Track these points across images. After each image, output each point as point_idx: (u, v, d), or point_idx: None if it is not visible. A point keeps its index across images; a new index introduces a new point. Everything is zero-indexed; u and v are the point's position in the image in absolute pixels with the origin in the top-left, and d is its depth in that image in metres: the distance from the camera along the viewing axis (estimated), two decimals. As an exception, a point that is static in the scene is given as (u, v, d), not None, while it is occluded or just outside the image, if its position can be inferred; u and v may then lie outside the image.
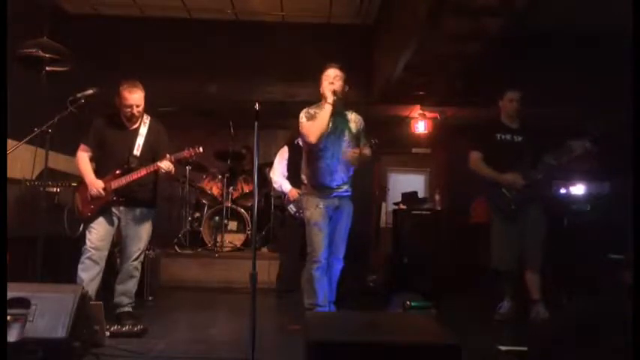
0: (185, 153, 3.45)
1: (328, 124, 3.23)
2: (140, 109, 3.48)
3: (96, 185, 3.39)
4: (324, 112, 3.20)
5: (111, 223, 3.49)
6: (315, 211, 3.27)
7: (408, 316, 3.46)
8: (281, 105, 6.01)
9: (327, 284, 3.32)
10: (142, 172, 3.40)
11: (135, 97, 3.43)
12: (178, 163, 3.58)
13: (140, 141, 3.52)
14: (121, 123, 3.53)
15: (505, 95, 3.95)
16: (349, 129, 3.37)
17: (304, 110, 3.33)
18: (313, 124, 3.23)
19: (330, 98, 3.18)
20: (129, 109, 3.43)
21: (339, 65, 3.33)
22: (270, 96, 6.14)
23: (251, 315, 2.47)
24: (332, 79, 3.26)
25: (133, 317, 3.49)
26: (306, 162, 3.37)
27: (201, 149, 3.46)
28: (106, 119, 3.56)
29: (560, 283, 4.28)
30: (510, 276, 3.92)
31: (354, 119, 3.45)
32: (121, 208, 3.50)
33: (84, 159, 3.52)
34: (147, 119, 3.60)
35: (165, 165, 3.36)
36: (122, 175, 3.42)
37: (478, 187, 4.16)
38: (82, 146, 3.53)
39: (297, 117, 3.35)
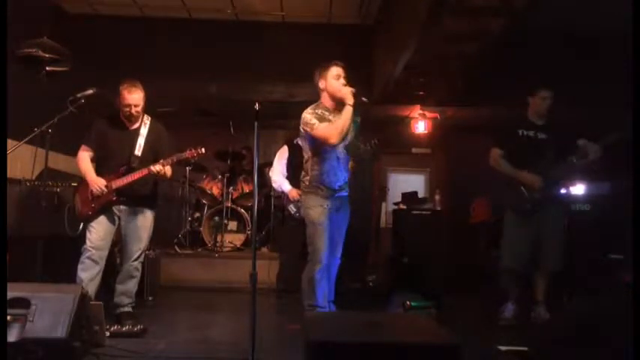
0: (187, 154, 3.44)
1: (351, 125, 3.18)
2: (139, 109, 3.48)
3: (98, 182, 3.39)
4: (347, 114, 3.10)
5: (111, 222, 3.49)
6: (320, 210, 3.23)
7: (408, 316, 3.46)
8: (281, 105, 6.01)
9: (327, 284, 3.32)
10: (143, 172, 3.39)
11: (134, 97, 3.42)
12: (179, 164, 3.57)
13: (141, 141, 3.52)
14: (122, 123, 3.53)
15: (538, 93, 3.83)
16: (352, 129, 3.37)
17: (309, 112, 3.21)
18: (335, 125, 3.12)
19: (351, 100, 3.11)
20: (127, 109, 3.43)
21: (344, 65, 3.28)
22: (270, 96, 6.14)
23: (251, 315, 2.47)
24: (343, 79, 3.22)
25: (133, 317, 3.49)
26: (312, 163, 3.33)
27: (203, 150, 3.44)
28: (106, 120, 3.56)
29: (560, 283, 4.28)
30: (519, 276, 3.84)
31: (355, 121, 3.44)
32: (122, 207, 3.50)
33: (85, 159, 3.52)
34: (147, 120, 3.60)
35: (156, 168, 3.35)
36: (124, 174, 3.43)
37: (478, 183, 4.08)
38: (83, 147, 3.53)
39: (297, 117, 3.30)
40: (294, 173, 4.55)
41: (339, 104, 3.20)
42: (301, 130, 3.25)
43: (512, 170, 3.79)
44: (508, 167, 3.82)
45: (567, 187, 4.93)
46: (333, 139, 3.11)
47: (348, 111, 3.11)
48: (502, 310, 3.86)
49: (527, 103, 3.91)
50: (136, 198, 3.51)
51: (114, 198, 3.43)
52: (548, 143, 3.76)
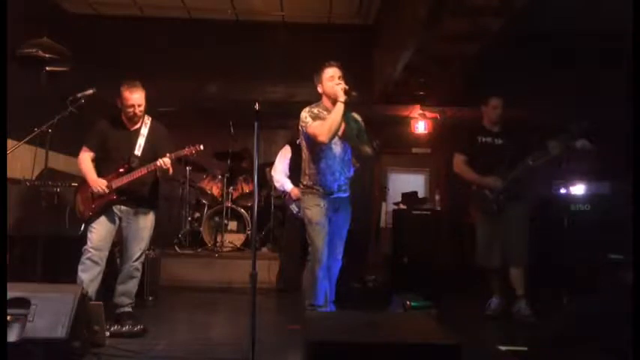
0: (185, 151, 3.45)
1: (341, 123, 3.19)
2: (142, 108, 3.48)
3: (99, 182, 3.39)
4: (337, 111, 3.11)
5: (112, 223, 3.48)
6: (317, 210, 3.24)
7: (408, 316, 3.46)
8: (281, 105, 6.01)
9: (327, 284, 3.31)
10: (142, 171, 3.40)
11: (136, 96, 3.43)
12: (178, 162, 3.56)
13: (141, 141, 3.52)
14: (123, 123, 3.53)
15: (489, 102, 4.09)
16: (350, 129, 3.36)
17: (306, 110, 3.26)
18: (325, 123, 3.15)
19: (343, 97, 3.12)
20: (131, 109, 3.43)
21: (339, 64, 3.30)
22: (270, 96, 6.14)
23: (251, 315, 2.47)
24: (337, 80, 3.23)
25: (133, 317, 3.49)
26: (309, 162, 3.34)
27: (201, 147, 3.44)
28: (108, 121, 3.56)
29: (560, 283, 4.29)
30: (496, 274, 4.06)
31: (354, 119, 3.44)
32: (122, 208, 3.50)
33: (86, 160, 3.51)
34: (148, 120, 3.60)
35: (162, 162, 3.34)
36: (124, 174, 3.43)
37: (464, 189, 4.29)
38: (84, 148, 3.53)
39: (297, 117, 3.32)
40: (296, 173, 4.54)
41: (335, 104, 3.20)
42: (300, 128, 3.29)
43: (475, 176, 4.08)
44: (471, 173, 4.11)
45: (567, 187, 4.94)
46: (322, 136, 3.13)
47: (338, 108, 3.12)
48: (488, 303, 4.11)
49: (482, 112, 4.17)
50: (136, 198, 3.51)
51: (114, 197, 3.43)
52: (506, 148, 4.01)
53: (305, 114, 3.25)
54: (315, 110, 3.27)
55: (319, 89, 3.33)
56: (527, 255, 3.96)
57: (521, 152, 3.88)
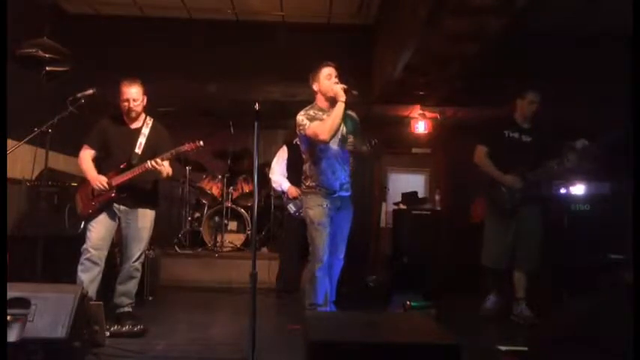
0: (186, 147, 3.44)
1: (342, 122, 3.21)
2: (138, 103, 3.48)
3: (99, 179, 3.39)
4: (338, 110, 3.14)
5: (112, 221, 3.48)
6: (320, 210, 3.25)
7: (408, 316, 3.47)
8: (281, 105, 6.01)
9: (328, 283, 3.32)
10: (140, 169, 3.38)
11: (132, 90, 3.44)
12: (178, 162, 3.56)
13: (142, 140, 3.52)
14: (124, 122, 3.54)
15: (526, 96, 3.94)
16: (348, 128, 3.37)
17: (302, 113, 3.28)
18: (325, 122, 3.17)
19: (343, 97, 3.14)
20: (126, 104, 3.44)
21: (335, 64, 3.33)
22: (270, 96, 6.14)
23: (251, 315, 2.47)
24: (335, 79, 3.26)
25: (133, 317, 3.49)
26: (310, 162, 3.36)
27: (201, 143, 3.44)
28: (109, 119, 3.57)
29: (560, 283, 4.29)
30: (497, 273, 4.01)
31: (351, 117, 3.46)
32: (122, 207, 3.50)
33: (86, 158, 3.51)
34: (150, 120, 3.61)
35: (153, 163, 3.34)
36: (124, 171, 3.42)
37: (478, 184, 4.19)
38: (85, 146, 3.54)
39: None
40: (293, 173, 4.55)
41: (333, 103, 3.23)
42: (297, 132, 3.30)
43: (495, 171, 3.93)
44: (491, 167, 3.95)
45: (567, 187, 4.94)
46: (323, 135, 3.15)
47: (339, 107, 3.15)
48: (485, 302, 4.07)
49: (515, 104, 4.02)
50: (136, 197, 3.51)
51: (113, 195, 3.43)
52: (532, 146, 3.90)
53: (301, 117, 3.27)
54: (311, 112, 3.29)
55: (315, 87, 3.36)
56: (538, 259, 3.87)
57: (547, 153, 3.78)
